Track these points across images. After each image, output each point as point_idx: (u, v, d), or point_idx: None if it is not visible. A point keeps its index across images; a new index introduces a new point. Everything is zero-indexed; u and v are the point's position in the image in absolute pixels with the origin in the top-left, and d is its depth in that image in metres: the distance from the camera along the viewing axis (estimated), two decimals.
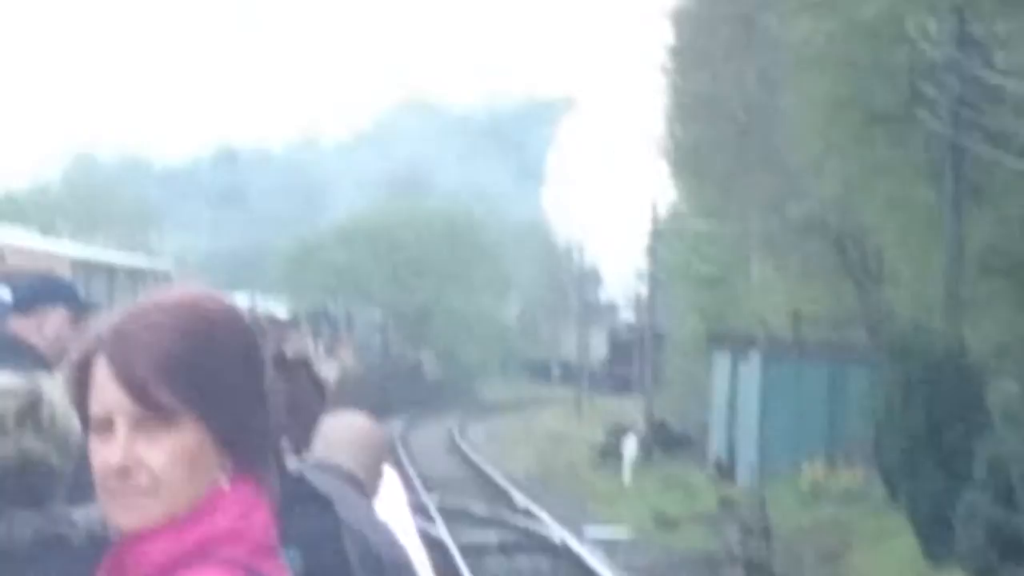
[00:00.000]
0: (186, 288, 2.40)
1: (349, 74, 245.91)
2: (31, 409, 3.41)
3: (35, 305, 5.86)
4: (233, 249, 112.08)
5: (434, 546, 23.33)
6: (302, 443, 4.12)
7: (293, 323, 55.76)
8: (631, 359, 65.21)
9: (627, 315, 77.52)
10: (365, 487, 4.52)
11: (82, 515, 3.27)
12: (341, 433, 4.56)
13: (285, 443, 3.73)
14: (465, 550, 26.34)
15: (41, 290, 5.92)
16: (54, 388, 3.46)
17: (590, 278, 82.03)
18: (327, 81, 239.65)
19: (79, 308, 6.06)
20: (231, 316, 2.32)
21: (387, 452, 4.85)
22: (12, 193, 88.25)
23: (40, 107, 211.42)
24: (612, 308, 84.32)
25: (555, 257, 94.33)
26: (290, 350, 4.45)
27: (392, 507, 5.22)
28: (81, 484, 2.58)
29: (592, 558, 27.21)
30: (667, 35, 49.68)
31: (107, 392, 2.18)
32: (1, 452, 3.35)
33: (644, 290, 60.71)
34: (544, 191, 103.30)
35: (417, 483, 35.70)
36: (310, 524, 3.78)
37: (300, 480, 3.89)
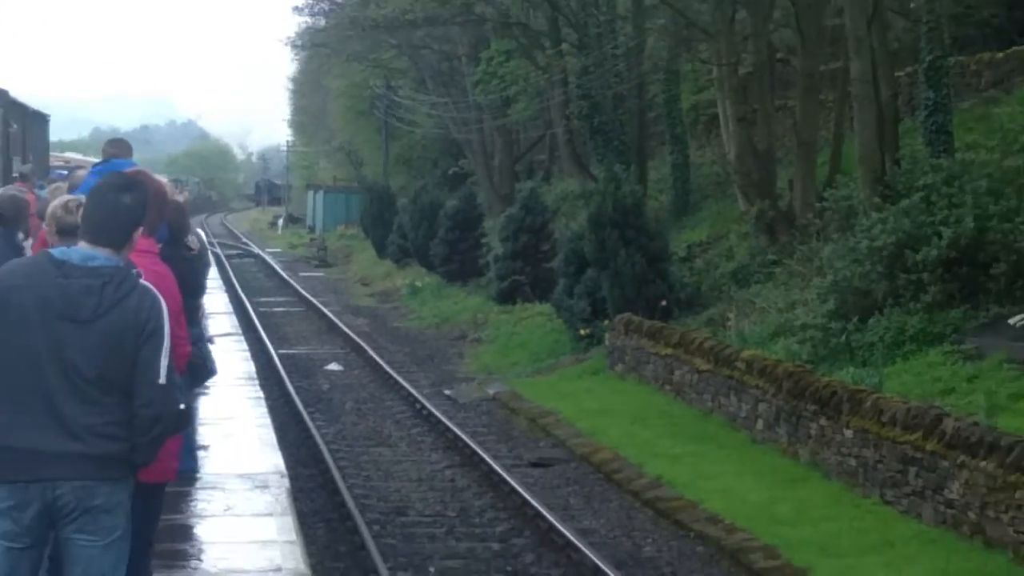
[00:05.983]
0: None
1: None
2: None
3: None
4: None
5: (214, 255, 32.44)
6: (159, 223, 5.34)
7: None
8: (280, 192, 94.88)
9: (278, 179, 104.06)
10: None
11: None
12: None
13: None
14: (226, 257, 39.66)
15: None
16: None
17: (270, 168, 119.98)
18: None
19: None
20: (148, 181, 3.85)
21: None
22: None
23: None
24: (275, 176, 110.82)
25: (256, 162, 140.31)
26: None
27: (203, 238, 7.78)
28: None
29: (268, 257, 42.05)
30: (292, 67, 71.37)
31: None
32: None
33: (286, 170, 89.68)
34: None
35: (211, 234, 51.56)
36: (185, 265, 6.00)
37: (190, 250, 6.47)
